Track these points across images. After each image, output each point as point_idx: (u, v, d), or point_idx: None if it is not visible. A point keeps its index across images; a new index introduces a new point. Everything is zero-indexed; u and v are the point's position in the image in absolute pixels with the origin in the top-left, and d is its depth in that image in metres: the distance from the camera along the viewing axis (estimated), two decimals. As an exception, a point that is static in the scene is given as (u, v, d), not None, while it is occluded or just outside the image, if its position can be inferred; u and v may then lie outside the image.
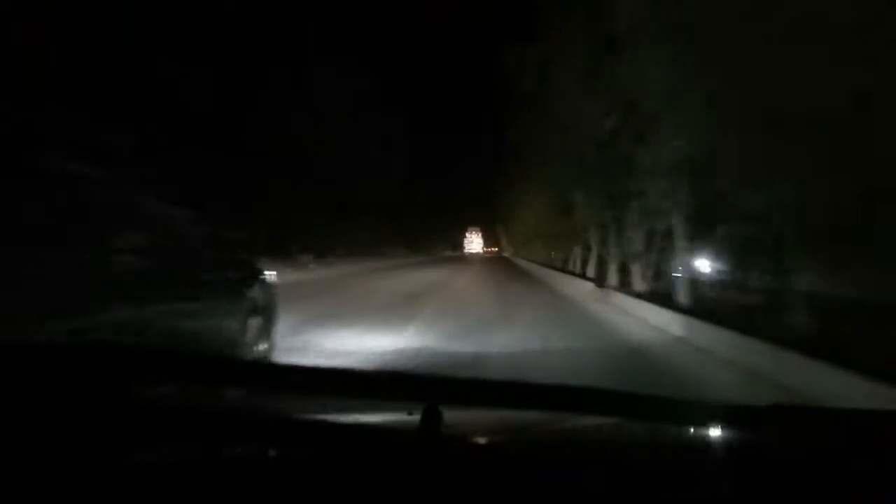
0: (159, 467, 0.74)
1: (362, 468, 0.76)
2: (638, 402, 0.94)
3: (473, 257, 51.88)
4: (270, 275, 4.12)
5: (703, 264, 8.16)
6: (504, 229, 51.77)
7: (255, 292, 3.75)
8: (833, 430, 0.91)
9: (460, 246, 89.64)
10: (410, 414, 0.90)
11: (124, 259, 2.52)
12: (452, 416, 0.91)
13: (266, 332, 3.82)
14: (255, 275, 3.90)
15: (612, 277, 12.05)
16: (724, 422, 0.96)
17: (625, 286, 10.94)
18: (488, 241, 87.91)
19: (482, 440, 1.08)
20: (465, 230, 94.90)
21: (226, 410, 0.93)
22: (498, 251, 69.74)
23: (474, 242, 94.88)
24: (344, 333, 5.75)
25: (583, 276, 15.36)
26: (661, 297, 8.41)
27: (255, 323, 3.65)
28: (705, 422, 0.97)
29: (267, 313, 3.87)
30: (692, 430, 1.01)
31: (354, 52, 24.47)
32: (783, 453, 0.86)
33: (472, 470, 0.78)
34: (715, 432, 0.98)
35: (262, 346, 3.73)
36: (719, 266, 8.06)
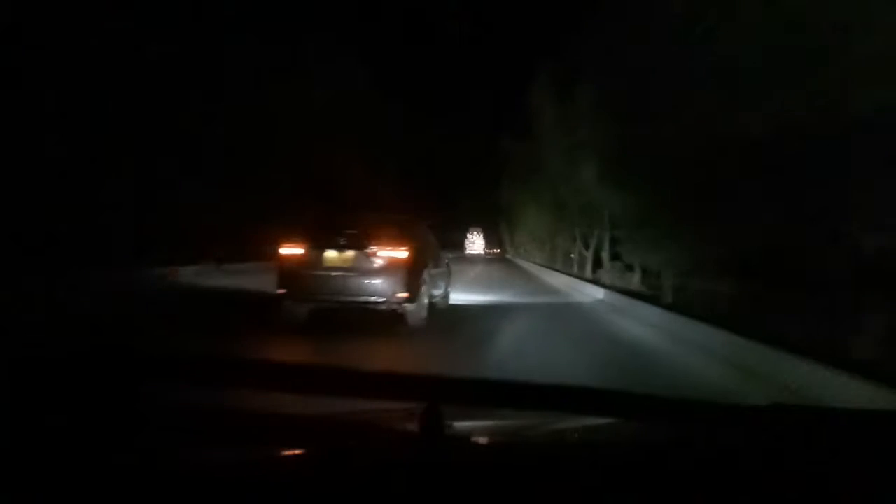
0: (161, 467, 0.75)
1: (362, 468, 0.77)
2: (637, 402, 0.94)
3: (476, 258, 55.83)
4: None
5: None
6: (507, 229, 53.21)
7: (448, 265, 9.38)
8: (833, 430, 0.91)
9: (459, 246, 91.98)
10: (411, 414, 0.90)
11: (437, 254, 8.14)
12: (453, 415, 0.94)
13: (450, 284, 9.37)
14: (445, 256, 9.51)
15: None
16: (724, 422, 0.95)
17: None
18: (490, 241, 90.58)
19: (482, 440, 1.10)
20: (466, 231, 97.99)
21: (225, 411, 0.94)
22: (500, 253, 72.68)
23: (476, 243, 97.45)
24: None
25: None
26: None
27: (450, 279, 9.25)
28: (705, 421, 0.96)
29: (451, 275, 9.46)
30: (692, 429, 1.00)
31: (354, 53, 23.37)
32: (783, 453, 0.86)
33: (472, 470, 0.79)
34: (714, 432, 0.98)
35: (450, 290, 9.29)
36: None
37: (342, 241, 6.43)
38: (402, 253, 6.44)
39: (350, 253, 6.38)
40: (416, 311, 6.58)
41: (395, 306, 6.43)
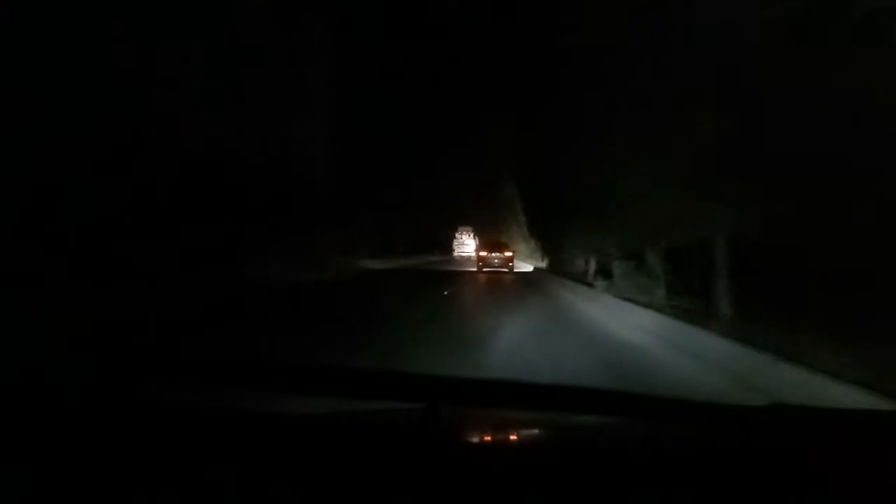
0: (163, 462, 0.77)
1: (362, 467, 0.77)
2: (637, 402, 0.95)
3: (467, 261, 61.97)
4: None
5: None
6: (506, 229, 51.79)
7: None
8: (832, 430, 0.91)
9: (446, 246, 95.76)
10: (411, 413, 0.90)
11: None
12: (452, 415, 0.95)
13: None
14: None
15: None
16: (723, 422, 0.95)
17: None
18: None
19: (482, 440, 1.10)
20: (454, 229, 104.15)
21: (226, 411, 0.94)
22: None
23: (466, 244, 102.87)
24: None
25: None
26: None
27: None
28: (704, 422, 0.96)
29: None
30: (691, 429, 1.00)
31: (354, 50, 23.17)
32: (782, 453, 0.86)
33: (471, 469, 0.79)
34: (714, 432, 0.97)
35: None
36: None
37: (494, 249, 22.74)
38: (510, 253, 22.60)
39: (497, 252, 22.53)
40: (512, 271, 22.50)
41: (506, 270, 22.29)
